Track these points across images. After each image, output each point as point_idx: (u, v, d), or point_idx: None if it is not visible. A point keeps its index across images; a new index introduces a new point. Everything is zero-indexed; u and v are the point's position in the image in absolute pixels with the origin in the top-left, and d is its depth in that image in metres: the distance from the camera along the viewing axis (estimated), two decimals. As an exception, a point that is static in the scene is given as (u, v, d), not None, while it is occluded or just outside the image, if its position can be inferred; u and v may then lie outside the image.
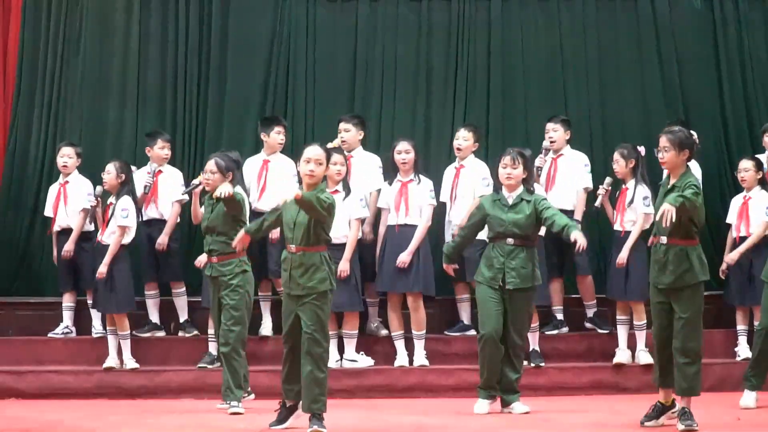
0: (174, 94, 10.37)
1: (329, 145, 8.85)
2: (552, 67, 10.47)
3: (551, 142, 9.09)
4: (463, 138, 9.07)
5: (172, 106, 10.37)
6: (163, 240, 9.05)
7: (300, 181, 6.87)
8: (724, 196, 9.77)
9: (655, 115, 10.20)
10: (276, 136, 9.15)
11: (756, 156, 9.23)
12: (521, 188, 7.50)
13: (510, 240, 7.37)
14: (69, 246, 9.12)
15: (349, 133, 9.09)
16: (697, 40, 10.52)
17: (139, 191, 8.97)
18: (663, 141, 6.72)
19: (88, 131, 10.23)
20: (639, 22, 10.51)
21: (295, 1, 10.45)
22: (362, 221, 8.77)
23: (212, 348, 8.59)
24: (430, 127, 10.40)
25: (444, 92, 10.42)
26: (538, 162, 8.92)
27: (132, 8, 10.40)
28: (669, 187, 6.73)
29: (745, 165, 9.04)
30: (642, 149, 8.74)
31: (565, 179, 9.08)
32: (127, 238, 8.74)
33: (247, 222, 7.56)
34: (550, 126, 9.17)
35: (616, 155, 8.79)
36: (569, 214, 8.93)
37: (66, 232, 9.24)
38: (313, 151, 6.53)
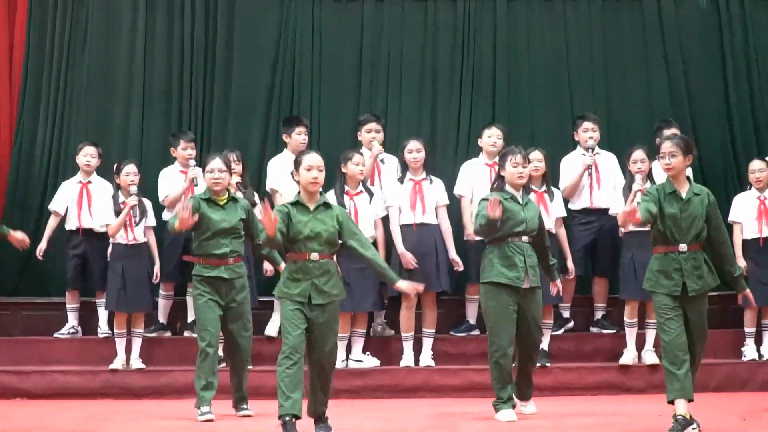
0: (180, 94, 10.38)
1: (378, 152, 8.88)
2: (557, 66, 10.47)
3: (590, 138, 9.15)
4: (497, 136, 9.03)
5: (177, 107, 10.38)
6: None
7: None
8: (730, 196, 9.74)
9: (660, 115, 10.17)
10: (297, 137, 9.14)
11: (765, 158, 9.21)
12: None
13: (525, 238, 7.30)
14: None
15: (379, 134, 9.16)
16: (703, 40, 10.52)
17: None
18: (669, 146, 6.50)
19: (94, 131, 10.20)
20: (645, 22, 10.52)
21: (301, 0, 10.46)
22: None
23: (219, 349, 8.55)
24: (435, 127, 10.40)
25: (450, 92, 10.42)
26: (588, 161, 9.02)
27: (138, 8, 10.42)
28: (686, 197, 6.47)
29: (760, 165, 9.00)
30: None
31: (606, 178, 9.14)
32: None
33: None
34: (588, 126, 9.18)
35: (643, 155, 8.71)
36: (608, 211, 8.96)
37: (85, 233, 9.13)
38: (314, 159, 6.40)
